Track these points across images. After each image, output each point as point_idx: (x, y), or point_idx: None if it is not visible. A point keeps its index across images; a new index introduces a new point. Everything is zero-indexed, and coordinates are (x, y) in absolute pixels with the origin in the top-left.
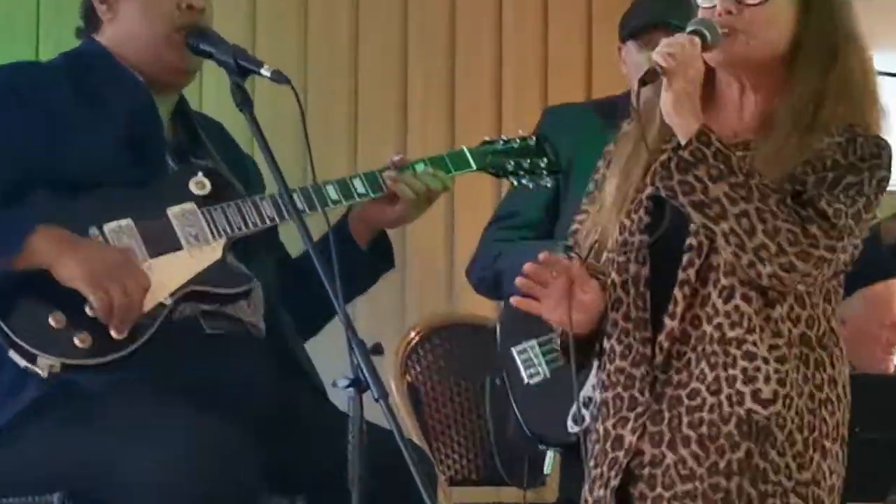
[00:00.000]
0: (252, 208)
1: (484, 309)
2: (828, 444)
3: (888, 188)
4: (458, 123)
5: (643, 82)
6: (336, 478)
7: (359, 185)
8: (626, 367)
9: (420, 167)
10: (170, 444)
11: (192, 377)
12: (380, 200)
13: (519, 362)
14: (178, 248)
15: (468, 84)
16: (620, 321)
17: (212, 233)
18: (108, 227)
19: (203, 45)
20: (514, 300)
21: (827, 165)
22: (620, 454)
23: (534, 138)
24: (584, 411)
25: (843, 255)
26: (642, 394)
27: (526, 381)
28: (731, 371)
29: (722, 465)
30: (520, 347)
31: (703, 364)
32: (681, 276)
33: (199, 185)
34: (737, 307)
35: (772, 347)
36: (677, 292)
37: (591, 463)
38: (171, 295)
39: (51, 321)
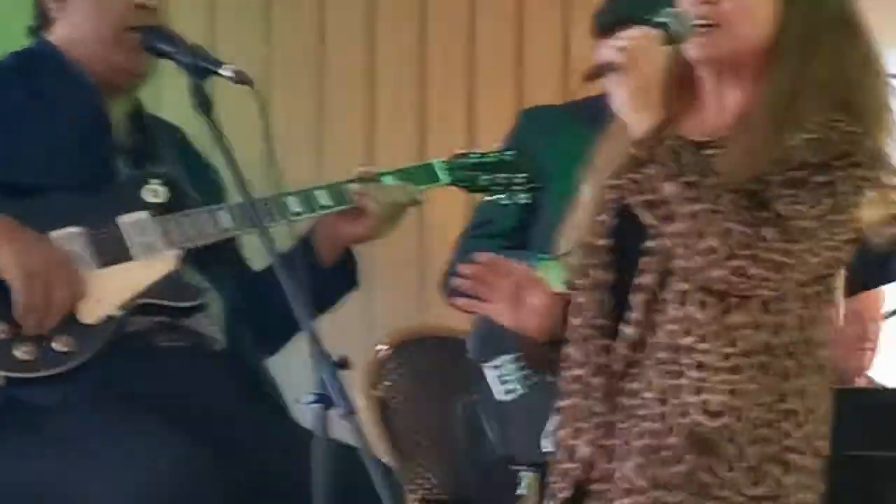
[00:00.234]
0: (209, 219)
1: (455, 322)
2: (794, 457)
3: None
4: (429, 130)
5: (588, 78)
6: (300, 498)
7: (323, 198)
8: (583, 375)
9: (388, 180)
10: (123, 465)
11: (147, 392)
12: (345, 215)
13: (491, 379)
14: (129, 258)
15: (439, 89)
16: (580, 327)
17: (164, 243)
18: (57, 234)
19: (160, 44)
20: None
21: (795, 164)
22: (572, 466)
23: (510, 153)
24: None
25: (811, 257)
26: (599, 404)
27: (499, 398)
28: (679, 380)
29: (665, 477)
30: (492, 364)
31: (653, 372)
32: (638, 280)
33: (153, 192)
34: (690, 314)
35: (725, 357)
36: (634, 298)
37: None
38: (121, 307)
39: None
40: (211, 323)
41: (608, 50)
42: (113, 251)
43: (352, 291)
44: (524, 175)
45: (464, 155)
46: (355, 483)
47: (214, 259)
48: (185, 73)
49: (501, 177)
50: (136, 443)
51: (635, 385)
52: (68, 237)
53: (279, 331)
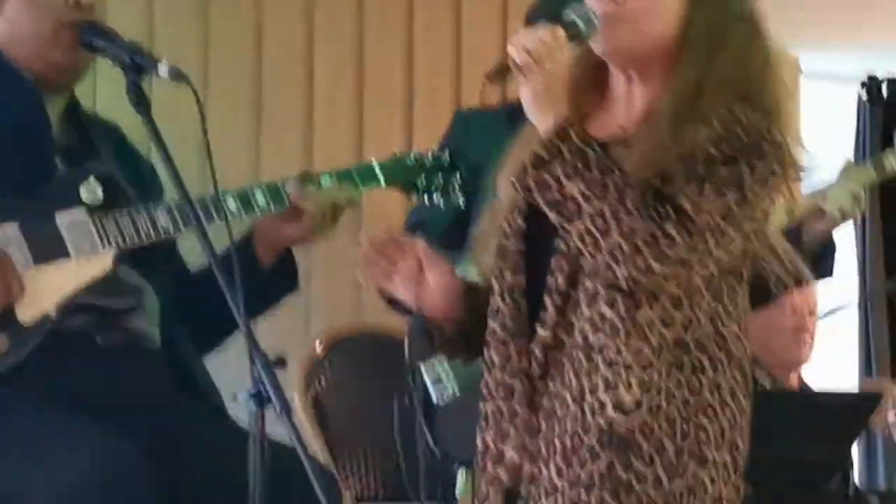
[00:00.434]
0: (146, 218)
1: (391, 322)
2: (709, 451)
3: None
4: (367, 131)
5: (491, 79)
6: (235, 496)
7: (260, 198)
8: (504, 378)
9: (326, 180)
10: (59, 466)
11: (84, 392)
12: (283, 216)
13: (427, 379)
14: (66, 255)
15: (377, 90)
16: (499, 330)
17: (102, 242)
18: None
19: (96, 40)
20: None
21: (699, 159)
22: (501, 471)
23: (447, 154)
24: None
25: (722, 252)
26: (521, 406)
27: (435, 399)
28: (593, 379)
29: (583, 477)
30: (428, 363)
31: (571, 372)
32: (549, 281)
33: (91, 191)
34: (600, 312)
35: (637, 353)
36: (546, 299)
37: (477, 475)
38: (57, 306)
39: None
40: (147, 321)
41: (511, 49)
42: (49, 249)
43: (291, 294)
44: (460, 177)
45: (401, 156)
46: (291, 482)
47: (150, 257)
48: (121, 71)
49: (438, 178)
50: (71, 441)
51: (556, 386)
52: (4, 234)
53: (215, 329)
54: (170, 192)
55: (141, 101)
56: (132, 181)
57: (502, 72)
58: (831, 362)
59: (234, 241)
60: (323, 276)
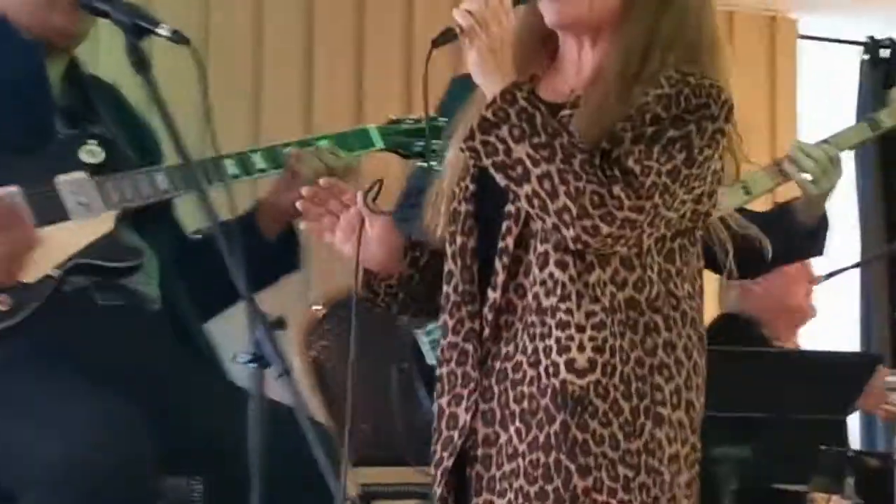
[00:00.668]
0: (146, 180)
1: None
2: (664, 411)
3: None
4: (366, 96)
5: (436, 43)
6: (235, 458)
7: (259, 160)
8: (458, 342)
9: (323, 144)
10: (61, 424)
11: (85, 351)
12: (283, 183)
13: (423, 345)
14: (67, 218)
15: (376, 54)
16: (452, 294)
17: (103, 204)
18: None
19: (97, 2)
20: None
21: (647, 120)
22: (455, 433)
23: (444, 119)
24: None
25: (668, 212)
26: (474, 369)
27: (430, 363)
28: (547, 341)
29: (541, 439)
30: (425, 329)
31: (525, 335)
32: (500, 244)
33: (91, 153)
34: (552, 274)
35: (589, 314)
36: (498, 262)
37: (433, 440)
38: (58, 267)
39: None
40: (147, 282)
41: (456, 12)
42: (50, 211)
43: (290, 273)
44: None
45: (398, 121)
46: (291, 443)
47: (150, 220)
48: (121, 32)
49: (435, 143)
50: (70, 401)
51: (508, 348)
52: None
53: (212, 298)
54: (168, 155)
55: (141, 63)
56: (131, 142)
57: (448, 36)
58: (831, 325)
59: (240, 212)
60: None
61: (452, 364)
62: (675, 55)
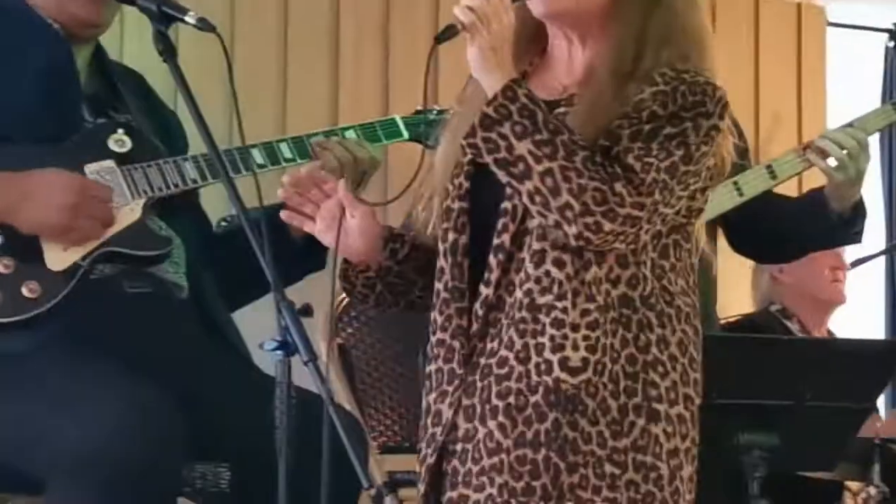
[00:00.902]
0: (174, 169)
1: None
2: (661, 406)
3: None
4: (392, 86)
5: (438, 40)
6: (262, 445)
7: (286, 150)
8: (446, 339)
9: (350, 134)
10: (89, 411)
11: (113, 338)
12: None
13: None
14: None
15: (403, 44)
16: (442, 291)
17: (131, 193)
18: None
19: None
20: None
21: (644, 118)
22: (438, 430)
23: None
24: None
25: (666, 208)
26: (460, 366)
27: None
28: (539, 339)
29: (529, 436)
30: None
31: (513, 331)
32: (495, 241)
33: (119, 142)
34: (548, 272)
35: (584, 313)
36: (492, 259)
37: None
38: (87, 255)
39: None
40: (175, 270)
41: (457, 9)
42: None
43: (315, 271)
44: None
45: (424, 111)
46: (317, 430)
47: (176, 209)
48: (146, 20)
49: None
50: (100, 387)
51: (493, 344)
52: None
53: (237, 289)
54: (193, 143)
55: (168, 51)
56: (157, 131)
57: (451, 33)
58: (858, 311)
59: (267, 207)
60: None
61: (440, 361)
62: (667, 53)
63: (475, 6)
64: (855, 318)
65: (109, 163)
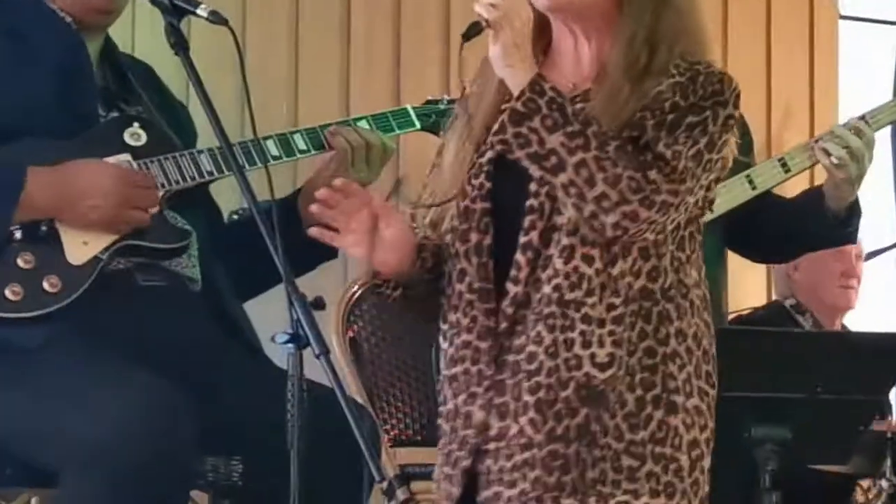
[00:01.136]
0: (190, 162)
1: None
2: (679, 398)
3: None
4: (404, 76)
5: (466, 37)
6: (274, 437)
7: (300, 142)
8: (472, 340)
9: (363, 125)
10: (104, 404)
11: (127, 331)
12: (324, 167)
13: None
14: None
15: (414, 34)
16: (465, 293)
17: None
18: None
19: None
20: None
21: (666, 108)
22: (471, 432)
23: None
24: None
25: (690, 197)
26: (489, 367)
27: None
28: (569, 334)
29: (560, 431)
30: None
31: (541, 326)
32: (522, 239)
33: (134, 135)
34: (576, 268)
35: (609, 307)
36: (520, 257)
37: (441, 441)
38: (106, 249)
39: None
40: (191, 263)
41: (479, 6)
42: None
43: (328, 260)
44: None
45: (435, 101)
46: (329, 422)
47: (190, 199)
48: (157, 12)
49: None
50: (113, 380)
51: (521, 340)
52: None
53: (249, 280)
54: (202, 134)
55: (180, 44)
56: (167, 122)
57: (476, 30)
58: (870, 304)
59: (282, 197)
60: None
61: (467, 363)
62: (679, 48)
63: (497, 3)
64: (867, 311)
65: (125, 156)
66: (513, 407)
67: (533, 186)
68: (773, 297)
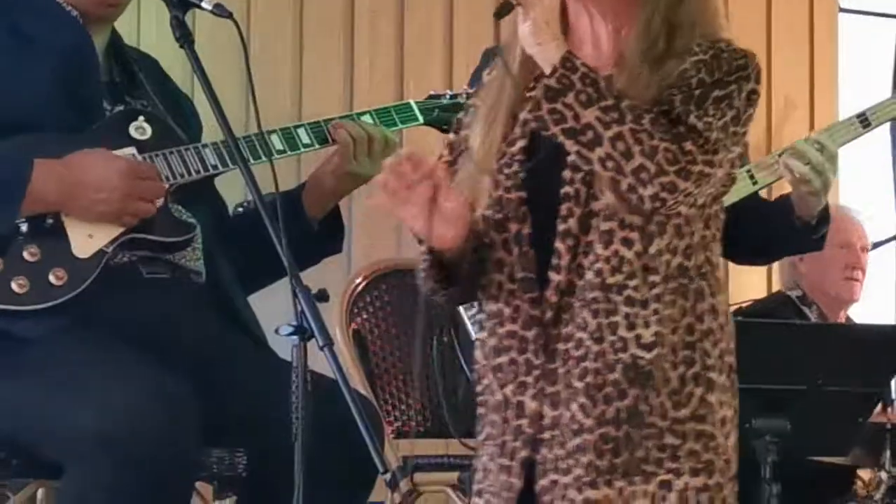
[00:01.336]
0: (195, 156)
1: None
2: (713, 375)
3: None
4: (407, 71)
5: (498, 15)
6: (278, 429)
7: (304, 136)
8: (517, 329)
9: (366, 119)
10: (108, 396)
11: (131, 324)
12: (328, 161)
13: (467, 320)
14: None
15: (418, 29)
16: (506, 282)
17: None
18: None
19: None
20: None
21: (692, 84)
22: (525, 422)
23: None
24: None
25: (721, 170)
26: (536, 356)
27: (475, 337)
28: (613, 318)
29: (609, 414)
30: (467, 304)
31: (586, 312)
32: (561, 227)
33: (140, 129)
34: (616, 252)
35: (651, 286)
36: (560, 244)
37: (489, 431)
38: (112, 241)
39: None
40: (195, 256)
41: None
42: None
43: (333, 253)
44: None
45: (437, 96)
46: (333, 414)
47: (195, 192)
48: (165, 7)
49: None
50: (118, 372)
51: (568, 329)
52: None
53: (255, 276)
54: (207, 126)
55: (185, 37)
56: (172, 114)
57: (508, 8)
58: (869, 297)
59: (286, 190)
60: (364, 209)
61: (513, 352)
62: (698, 31)
63: None
64: (865, 304)
65: (131, 150)
66: (564, 395)
67: (567, 174)
68: (774, 290)
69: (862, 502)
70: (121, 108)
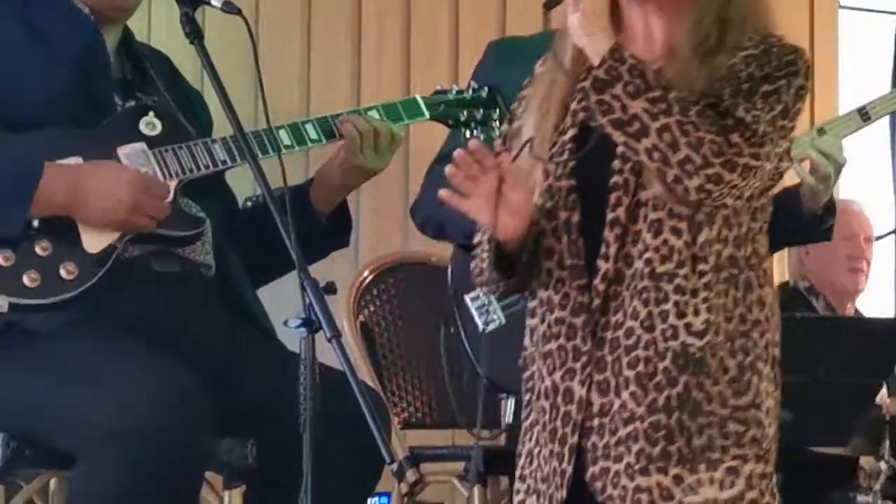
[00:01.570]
0: (204, 151)
1: (438, 248)
2: (761, 365)
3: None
4: (414, 66)
5: (548, 6)
6: (287, 420)
7: (311, 131)
8: (566, 316)
9: (373, 114)
10: (119, 388)
11: (142, 317)
12: (336, 156)
13: (473, 309)
14: None
15: (424, 26)
16: (555, 270)
17: (163, 174)
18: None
19: None
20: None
21: (742, 78)
22: (573, 408)
23: (486, 90)
24: None
25: (768, 163)
26: (585, 342)
27: (481, 328)
28: (663, 306)
29: (661, 401)
30: (473, 294)
31: (636, 301)
32: (610, 216)
33: (150, 125)
34: (665, 241)
35: (700, 275)
36: (608, 233)
37: (533, 418)
38: (122, 236)
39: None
40: (205, 251)
41: None
42: None
43: (340, 248)
44: (500, 111)
45: (444, 92)
46: (341, 405)
47: (205, 187)
48: (175, 3)
49: (479, 113)
50: (128, 364)
51: (618, 317)
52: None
53: (264, 269)
54: (218, 122)
55: (195, 33)
56: (183, 110)
57: (555, 0)
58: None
59: (294, 184)
60: (371, 202)
61: (562, 339)
62: (751, 24)
63: None
64: (866, 297)
65: (141, 145)
66: (614, 383)
67: (616, 163)
68: (782, 280)
69: (863, 492)
70: (132, 103)
